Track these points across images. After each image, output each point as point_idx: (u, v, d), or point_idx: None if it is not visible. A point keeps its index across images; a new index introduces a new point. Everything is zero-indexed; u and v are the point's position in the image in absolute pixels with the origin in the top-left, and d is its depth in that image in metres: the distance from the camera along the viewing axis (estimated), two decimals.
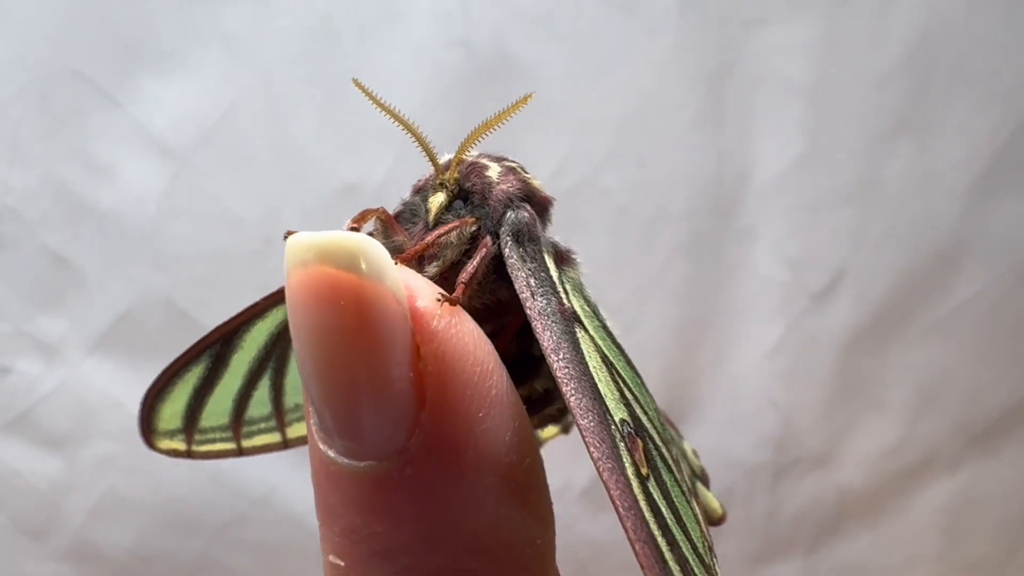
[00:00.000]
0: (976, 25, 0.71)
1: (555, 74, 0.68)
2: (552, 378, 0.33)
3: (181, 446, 0.44)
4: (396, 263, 0.29)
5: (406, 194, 0.39)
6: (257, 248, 0.67)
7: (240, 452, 0.45)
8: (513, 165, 0.39)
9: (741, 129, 0.70)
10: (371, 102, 0.35)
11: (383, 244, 0.35)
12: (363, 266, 0.27)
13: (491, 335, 0.33)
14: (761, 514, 0.74)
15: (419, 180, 0.39)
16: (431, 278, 0.34)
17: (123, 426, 0.67)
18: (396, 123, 0.35)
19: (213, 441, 0.44)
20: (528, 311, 0.33)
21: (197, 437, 0.44)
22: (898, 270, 0.72)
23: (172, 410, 0.43)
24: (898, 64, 0.70)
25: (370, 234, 0.35)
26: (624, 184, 0.69)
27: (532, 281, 0.34)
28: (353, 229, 0.34)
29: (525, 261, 0.35)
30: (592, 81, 0.68)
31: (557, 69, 0.68)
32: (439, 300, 0.29)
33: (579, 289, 0.38)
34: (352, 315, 0.26)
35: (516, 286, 0.34)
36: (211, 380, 0.42)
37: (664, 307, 0.71)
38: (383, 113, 0.35)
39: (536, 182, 0.39)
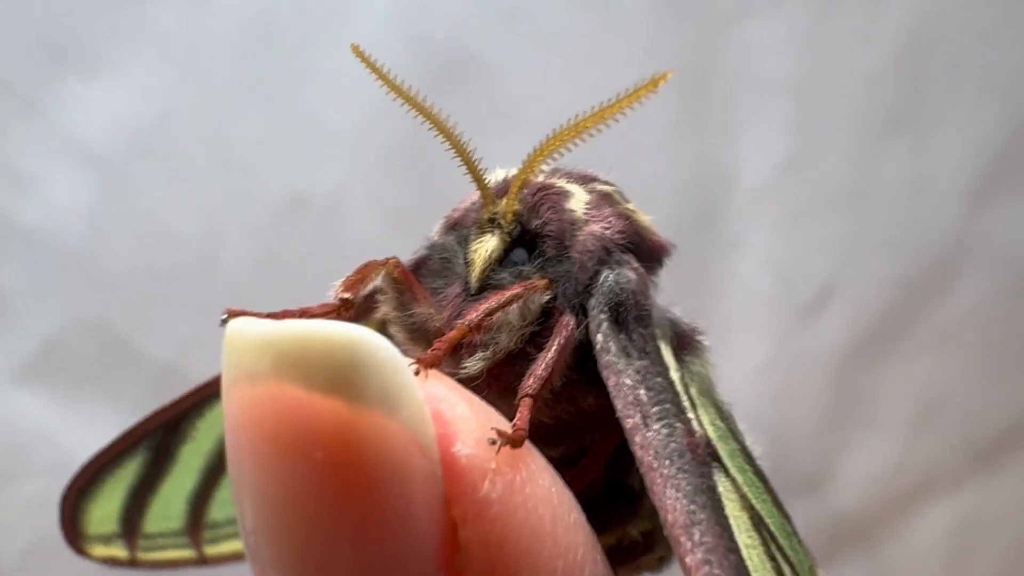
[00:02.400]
0: (972, 18, 0.70)
1: (522, 73, 0.67)
2: (655, 515, 0.22)
3: (122, 553, 0.37)
4: (418, 368, 0.20)
5: (429, 227, 0.29)
6: (198, 265, 0.65)
7: (203, 560, 0.37)
8: (607, 189, 0.30)
9: (724, 131, 0.69)
10: (380, 80, 0.28)
11: (397, 319, 0.26)
12: (359, 387, 0.18)
13: (566, 463, 0.25)
14: None
15: (456, 208, 0.29)
16: (473, 378, 0.25)
17: (56, 462, 0.64)
18: (417, 112, 0.28)
19: (164, 548, 0.37)
20: (637, 451, 0.23)
21: (142, 543, 0.37)
22: (893, 280, 0.72)
23: (103, 512, 0.36)
24: (890, 60, 0.70)
25: (372, 301, 0.27)
26: None
27: (643, 393, 0.24)
28: (342, 304, 0.25)
29: (631, 357, 0.24)
30: (562, 81, 0.66)
31: (524, 68, 0.67)
32: (494, 442, 0.20)
33: (708, 392, 0.28)
34: (337, 479, 0.17)
35: (616, 401, 0.24)
36: (153, 477, 0.35)
37: None
38: (396, 96, 0.28)
39: (644, 217, 0.30)
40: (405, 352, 0.26)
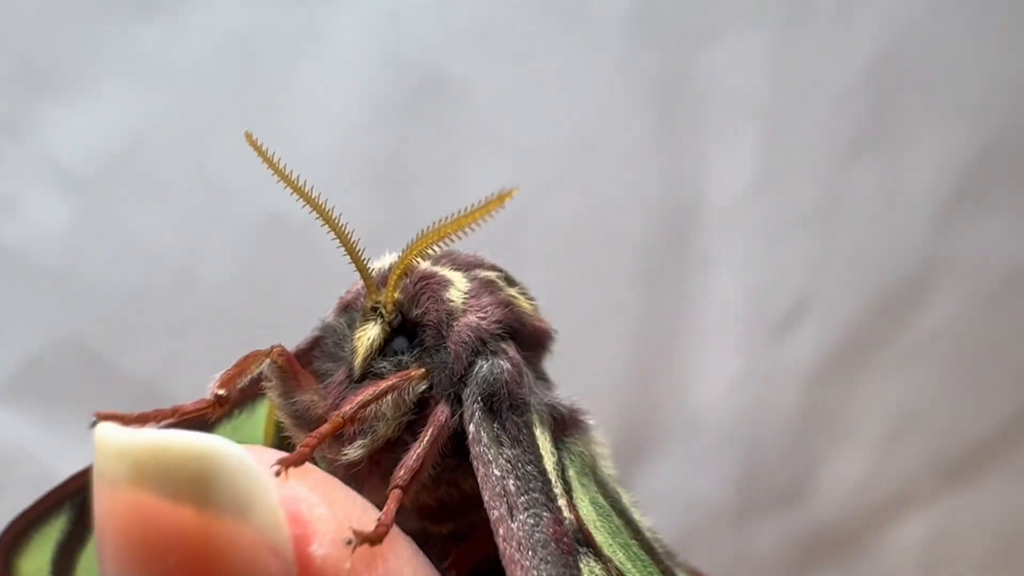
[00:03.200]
0: (941, 37, 0.70)
1: (493, 95, 0.67)
2: None
3: None
4: (279, 469, 0.20)
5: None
6: (177, 284, 0.64)
7: None
8: (490, 276, 0.30)
9: (694, 150, 0.69)
10: (272, 170, 0.28)
11: (281, 406, 0.27)
12: (210, 495, 0.18)
13: (456, 539, 0.26)
14: (726, 556, 0.73)
15: (349, 290, 0.30)
16: (354, 464, 0.26)
17: (36, 480, 0.64)
18: (301, 199, 0.27)
19: None
20: (501, 543, 0.23)
21: None
22: (865, 296, 0.72)
23: (35, 565, 0.36)
24: (860, 79, 0.70)
25: (259, 383, 0.28)
26: (570, 212, 0.68)
27: (511, 483, 0.24)
28: (216, 401, 0.25)
29: (502, 446, 0.25)
30: (533, 102, 0.67)
31: (495, 89, 0.67)
32: (350, 542, 0.20)
33: (589, 470, 0.28)
34: None
35: (483, 492, 0.24)
36: (80, 532, 0.35)
37: (617, 341, 0.70)
38: (285, 186, 0.28)
39: (527, 304, 0.30)
40: (287, 444, 0.28)
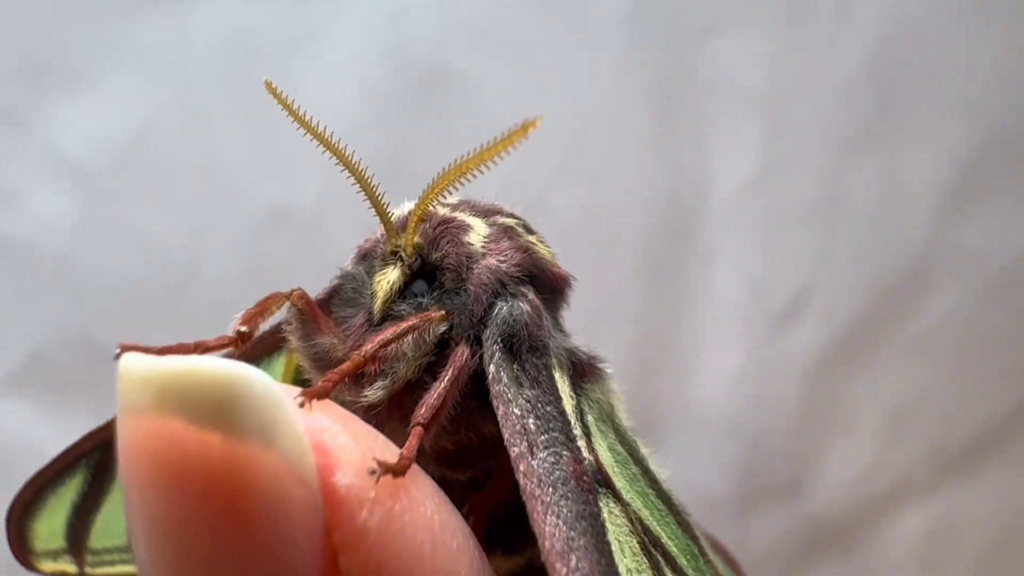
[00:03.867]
0: (941, 31, 0.70)
1: (497, 88, 0.67)
2: None
3: (71, 568, 0.37)
4: (303, 400, 0.20)
5: (344, 255, 0.29)
6: (180, 277, 0.65)
7: None
8: (509, 223, 0.30)
9: (697, 143, 0.69)
10: (292, 118, 0.28)
11: (301, 349, 0.26)
12: (236, 421, 0.18)
13: (473, 486, 0.26)
14: (728, 547, 0.73)
15: (367, 239, 0.30)
16: (374, 406, 0.26)
17: None
18: (321, 145, 0.28)
19: (112, 563, 0.37)
20: (521, 479, 0.23)
21: (90, 559, 0.37)
22: (865, 289, 0.72)
23: (49, 528, 0.36)
24: (860, 73, 0.70)
25: (282, 328, 0.27)
26: (574, 204, 0.68)
27: (531, 422, 0.24)
28: (238, 337, 0.25)
29: (522, 386, 0.25)
30: (537, 95, 0.67)
31: (499, 83, 0.67)
32: (374, 472, 0.20)
33: (607, 417, 0.28)
34: (216, 509, 0.18)
35: (503, 430, 0.24)
36: (95, 494, 0.35)
37: (620, 332, 0.70)
38: (305, 132, 0.28)
39: (545, 250, 0.30)
40: (308, 382, 0.27)
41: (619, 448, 0.27)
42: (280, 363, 0.33)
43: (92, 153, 0.65)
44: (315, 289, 0.31)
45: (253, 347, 0.27)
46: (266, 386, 0.19)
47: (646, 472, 0.28)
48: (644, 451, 0.29)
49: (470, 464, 0.27)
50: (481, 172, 0.26)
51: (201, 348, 0.25)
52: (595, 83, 0.68)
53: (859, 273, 0.72)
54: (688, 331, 0.71)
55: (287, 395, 0.20)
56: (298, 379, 0.32)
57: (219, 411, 0.18)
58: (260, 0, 0.65)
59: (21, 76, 0.64)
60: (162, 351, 0.23)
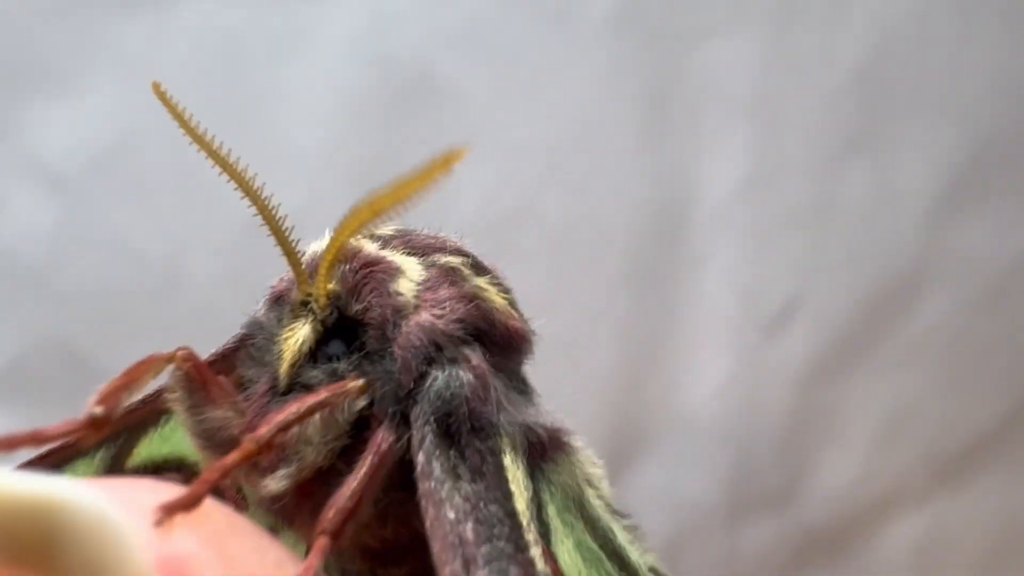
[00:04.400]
0: (932, 36, 0.71)
1: (482, 94, 0.67)
2: None
3: None
4: (161, 518, 0.16)
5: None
6: (161, 285, 0.64)
7: None
8: (452, 263, 0.25)
9: (685, 150, 0.69)
10: (178, 123, 0.23)
11: (189, 424, 0.22)
12: (60, 560, 0.14)
13: None
14: (718, 557, 0.73)
15: (282, 278, 0.25)
16: (276, 496, 0.21)
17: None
18: (204, 152, 0.22)
19: None
20: None
21: None
22: (856, 296, 0.72)
23: None
24: (850, 78, 0.70)
25: (161, 395, 0.23)
26: (561, 211, 0.68)
27: (468, 529, 0.19)
28: (90, 424, 0.20)
29: (459, 479, 0.20)
30: (523, 101, 0.67)
31: (484, 89, 0.67)
32: None
33: (575, 505, 0.24)
34: None
35: (433, 541, 0.19)
36: None
37: (608, 341, 0.70)
38: (189, 137, 0.23)
39: (498, 298, 0.25)
40: (188, 478, 0.22)
41: (589, 543, 0.23)
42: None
43: (71, 158, 0.64)
44: None
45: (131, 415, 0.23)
46: (96, 511, 0.14)
47: (624, 567, 0.23)
48: (623, 538, 0.24)
49: (404, 561, 0.23)
50: (401, 211, 0.21)
51: (39, 439, 0.21)
52: (582, 88, 0.68)
53: (850, 280, 0.71)
54: (677, 339, 0.71)
55: (136, 514, 0.16)
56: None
57: (32, 548, 0.14)
58: (243, 4, 0.65)
59: (0, 82, 0.64)
60: None
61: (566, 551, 0.22)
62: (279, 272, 0.63)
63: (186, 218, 0.65)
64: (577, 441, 0.25)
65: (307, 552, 0.20)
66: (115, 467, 0.27)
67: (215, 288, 0.64)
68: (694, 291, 0.70)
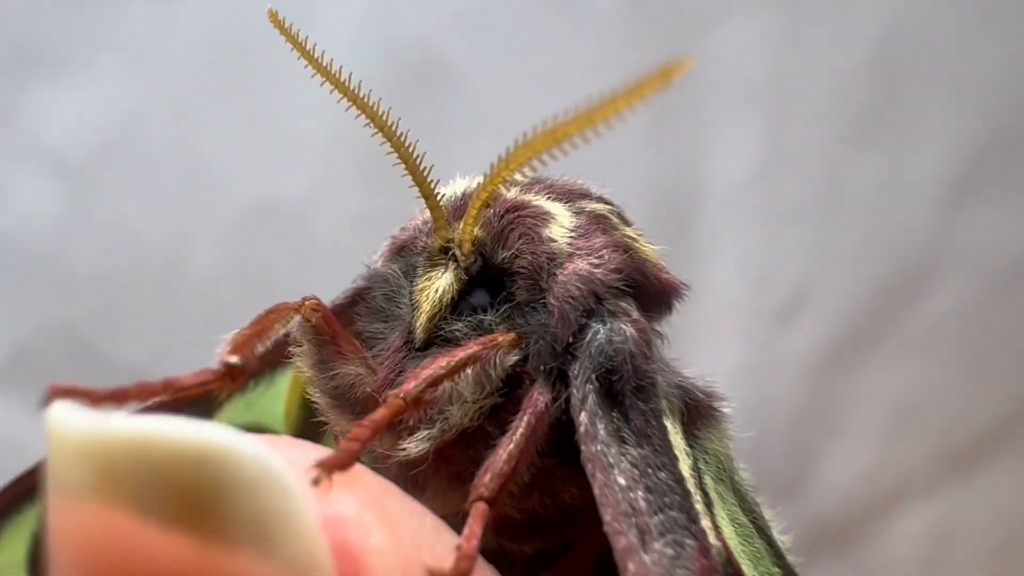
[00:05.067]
0: (944, 22, 0.70)
1: (491, 78, 0.66)
2: None
3: None
4: (318, 475, 0.14)
5: (371, 249, 0.23)
6: (166, 271, 0.64)
7: None
8: (600, 210, 0.23)
9: (695, 137, 0.69)
10: (301, 55, 0.22)
11: (316, 380, 0.20)
12: (219, 516, 0.12)
13: (542, 562, 0.20)
14: None
15: (404, 227, 0.23)
16: (415, 461, 0.19)
17: (24, 468, 0.64)
18: (350, 101, 0.22)
19: None
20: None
21: None
22: (867, 285, 0.71)
23: (7, 559, 0.30)
24: (862, 65, 0.69)
25: (283, 346, 0.21)
26: None
27: (640, 498, 0.18)
28: (226, 373, 0.18)
29: (625, 444, 0.18)
30: (529, 86, 0.66)
31: (491, 73, 0.67)
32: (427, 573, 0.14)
33: (727, 476, 0.22)
34: None
35: (602, 509, 0.17)
36: None
37: None
38: (325, 81, 0.22)
39: (649, 248, 0.24)
40: (318, 431, 0.20)
41: (741, 518, 0.21)
42: (284, 382, 0.26)
43: (76, 145, 0.64)
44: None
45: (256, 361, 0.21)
46: (262, 462, 0.13)
47: (771, 545, 0.22)
48: (767, 512, 0.23)
49: (540, 534, 0.21)
50: (586, 137, 0.19)
51: (173, 389, 0.19)
52: (590, 73, 0.67)
53: (860, 269, 0.71)
54: (686, 328, 0.70)
55: (294, 470, 0.14)
56: (307, 411, 0.25)
57: (191, 502, 0.12)
58: None
59: (4, 67, 0.64)
60: (114, 395, 0.17)
61: (726, 526, 0.20)
62: (283, 260, 0.64)
63: (190, 205, 0.65)
64: (727, 408, 0.24)
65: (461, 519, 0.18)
66: None
67: (219, 275, 0.64)
68: (704, 280, 0.69)
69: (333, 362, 0.21)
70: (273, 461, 0.13)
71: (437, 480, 0.20)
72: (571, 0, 0.68)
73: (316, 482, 0.15)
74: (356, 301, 0.22)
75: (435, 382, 0.19)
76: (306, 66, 0.24)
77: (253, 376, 0.24)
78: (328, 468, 0.16)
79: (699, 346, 0.70)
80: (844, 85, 0.70)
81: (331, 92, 0.25)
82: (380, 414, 0.18)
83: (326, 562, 0.13)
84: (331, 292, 0.27)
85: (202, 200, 0.65)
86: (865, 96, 0.70)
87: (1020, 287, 0.73)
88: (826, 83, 0.70)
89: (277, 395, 0.26)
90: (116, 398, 0.17)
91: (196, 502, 0.12)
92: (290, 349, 0.21)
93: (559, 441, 0.19)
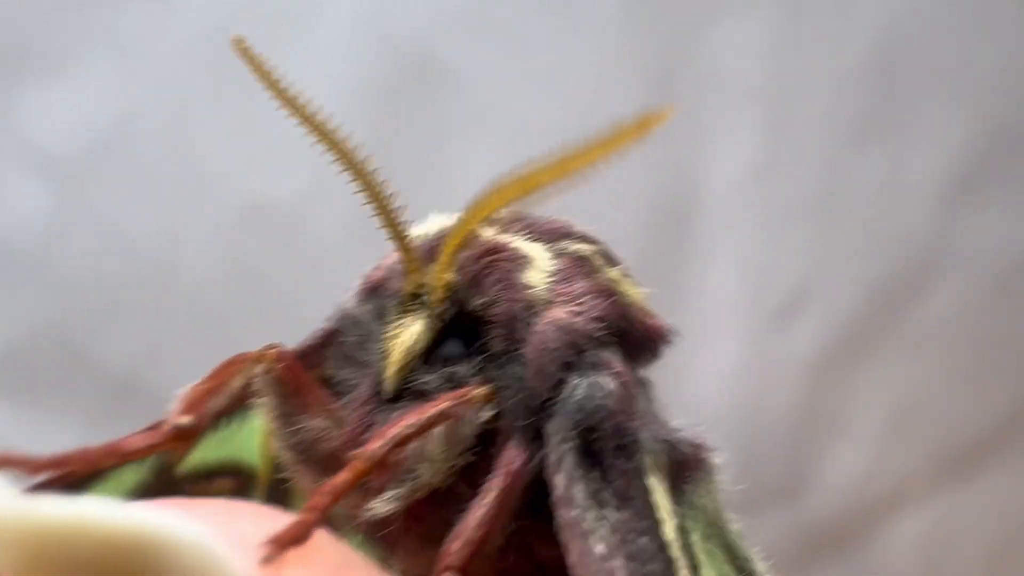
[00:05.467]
0: (945, 21, 0.70)
1: (486, 77, 0.66)
2: None
3: None
4: (270, 552, 0.14)
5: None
6: (157, 273, 0.64)
7: None
8: (584, 252, 0.23)
9: (694, 136, 0.69)
10: (266, 85, 0.21)
11: (279, 434, 0.19)
12: None
13: None
14: None
15: (378, 265, 0.22)
16: (384, 522, 0.18)
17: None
18: (310, 131, 0.21)
19: None
20: None
21: None
22: (867, 286, 0.71)
23: None
24: (862, 64, 0.69)
25: (242, 397, 0.20)
26: (565, 199, 0.67)
27: (618, 566, 0.17)
28: (174, 436, 0.18)
29: (604, 507, 0.18)
30: (525, 86, 0.66)
31: (488, 72, 0.66)
32: None
33: (715, 531, 0.22)
34: None
35: None
36: None
37: None
38: (293, 115, 0.21)
39: (635, 291, 0.24)
40: (283, 495, 0.19)
41: (730, 573, 0.21)
42: (259, 425, 0.25)
43: (68, 144, 0.64)
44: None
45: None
46: (203, 548, 0.12)
47: None
48: (761, 567, 0.23)
49: None
50: (564, 188, 0.18)
51: (117, 454, 0.18)
52: (587, 72, 0.68)
53: (860, 270, 0.71)
54: (684, 329, 0.70)
55: (241, 548, 0.14)
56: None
57: None
58: None
59: None
60: (54, 463, 0.16)
61: None
62: (276, 263, 0.64)
63: (184, 206, 0.65)
64: (717, 458, 0.23)
65: None
66: (165, 472, 0.24)
67: (212, 276, 0.63)
68: (702, 281, 0.70)
69: (297, 415, 0.20)
70: (214, 548, 0.13)
71: (407, 540, 0.19)
72: (568, 1, 0.67)
73: (268, 559, 0.14)
74: (327, 343, 0.21)
75: (402, 442, 0.18)
76: (271, 97, 0.23)
77: (223, 414, 0.23)
78: (282, 543, 0.15)
79: (698, 347, 0.70)
80: (844, 85, 0.70)
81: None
82: (342, 479, 0.17)
83: None
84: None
85: (196, 201, 0.65)
86: (865, 96, 0.70)
87: (1020, 287, 0.73)
88: (825, 83, 0.70)
89: (251, 432, 0.25)
90: (57, 465, 0.17)
91: None
92: (250, 401, 0.20)
93: (535, 500, 0.19)
